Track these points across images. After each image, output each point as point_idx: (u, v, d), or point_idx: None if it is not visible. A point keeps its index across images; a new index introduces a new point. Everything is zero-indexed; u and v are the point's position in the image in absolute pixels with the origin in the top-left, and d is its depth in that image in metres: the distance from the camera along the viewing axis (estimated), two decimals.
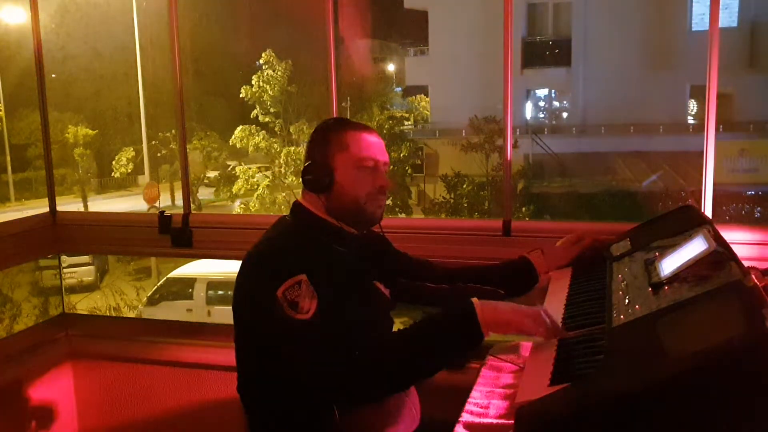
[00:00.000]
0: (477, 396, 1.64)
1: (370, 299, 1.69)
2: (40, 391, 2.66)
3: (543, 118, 18.33)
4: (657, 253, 1.57)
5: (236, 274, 1.61)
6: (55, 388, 2.72)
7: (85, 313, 9.06)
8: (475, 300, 1.45)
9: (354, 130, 1.66)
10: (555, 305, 1.65)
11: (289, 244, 1.60)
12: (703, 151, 2.04)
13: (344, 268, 1.61)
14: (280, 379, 1.55)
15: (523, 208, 12.91)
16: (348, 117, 13.76)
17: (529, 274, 1.87)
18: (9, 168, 18.72)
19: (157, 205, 14.44)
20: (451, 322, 1.46)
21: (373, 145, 1.66)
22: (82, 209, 14.14)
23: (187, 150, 2.75)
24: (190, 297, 10.35)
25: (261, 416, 1.64)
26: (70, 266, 11.98)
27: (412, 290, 1.86)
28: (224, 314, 9.49)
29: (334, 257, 1.61)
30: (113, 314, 10.31)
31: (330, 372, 1.44)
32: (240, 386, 1.66)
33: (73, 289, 11.51)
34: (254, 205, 13.77)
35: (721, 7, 2.01)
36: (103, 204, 18.17)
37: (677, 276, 1.38)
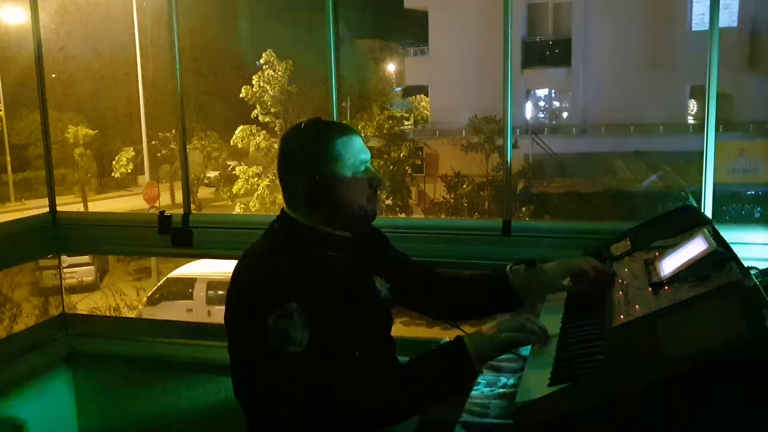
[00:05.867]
0: (477, 396, 1.64)
1: (366, 302, 1.66)
2: (39, 391, 2.66)
3: (543, 118, 18.34)
4: (657, 253, 1.57)
5: (228, 285, 1.56)
6: (55, 388, 2.72)
7: (85, 313, 9.06)
8: (464, 338, 1.44)
9: (341, 136, 1.60)
10: (555, 305, 1.65)
11: (281, 266, 1.53)
12: (703, 151, 2.04)
13: (338, 277, 1.58)
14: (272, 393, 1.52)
15: (523, 208, 12.90)
16: (348, 117, 13.78)
17: (508, 293, 1.77)
18: (9, 168, 18.72)
19: (157, 205, 14.44)
20: (444, 367, 1.45)
21: (359, 147, 1.63)
22: (82, 209, 14.14)
23: (187, 150, 2.75)
24: (190, 297, 10.36)
25: (260, 416, 1.63)
26: (70, 266, 11.97)
27: (407, 300, 1.83)
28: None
29: (327, 267, 1.58)
30: (113, 314, 10.30)
31: (319, 407, 1.43)
32: (236, 392, 1.64)
33: (73, 289, 11.50)
34: (254, 205, 13.78)
35: (721, 7, 2.01)
36: (103, 204, 18.15)
37: (677, 276, 1.38)
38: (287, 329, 1.42)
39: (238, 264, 1.58)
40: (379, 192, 1.66)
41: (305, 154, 1.59)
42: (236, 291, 1.55)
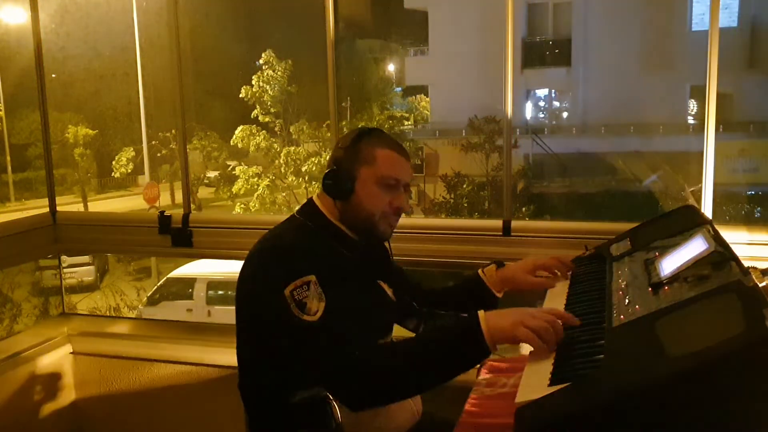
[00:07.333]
0: (477, 396, 1.64)
1: (375, 298, 1.70)
2: (40, 391, 2.66)
3: (543, 118, 18.32)
4: (657, 253, 1.57)
5: (242, 265, 1.61)
6: (56, 388, 2.72)
7: (86, 313, 9.06)
8: (480, 313, 1.41)
9: (385, 147, 1.65)
10: (555, 305, 1.65)
11: (301, 243, 1.60)
12: (703, 151, 2.04)
13: (351, 270, 1.61)
14: (280, 375, 1.56)
15: (523, 208, 12.90)
16: (348, 117, 13.73)
17: (483, 292, 1.84)
18: (9, 168, 18.71)
19: (157, 205, 14.44)
20: (456, 337, 1.42)
21: (399, 164, 1.66)
22: (82, 209, 14.13)
23: (187, 150, 2.75)
24: (190, 297, 10.35)
25: (261, 413, 1.64)
26: (70, 266, 11.96)
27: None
28: (224, 314, 9.51)
29: (341, 260, 1.62)
30: (113, 314, 10.31)
31: (332, 376, 1.45)
32: (241, 382, 1.67)
33: (73, 289, 11.49)
34: (254, 205, 13.77)
35: (721, 7, 2.01)
36: (103, 204, 18.16)
37: (677, 276, 1.38)
38: (303, 299, 1.46)
39: (257, 244, 1.62)
40: (397, 216, 1.69)
41: (347, 146, 1.65)
42: (254, 265, 1.59)
